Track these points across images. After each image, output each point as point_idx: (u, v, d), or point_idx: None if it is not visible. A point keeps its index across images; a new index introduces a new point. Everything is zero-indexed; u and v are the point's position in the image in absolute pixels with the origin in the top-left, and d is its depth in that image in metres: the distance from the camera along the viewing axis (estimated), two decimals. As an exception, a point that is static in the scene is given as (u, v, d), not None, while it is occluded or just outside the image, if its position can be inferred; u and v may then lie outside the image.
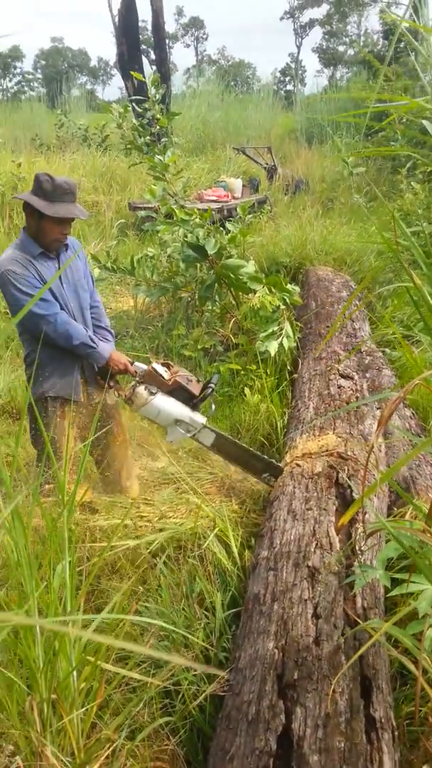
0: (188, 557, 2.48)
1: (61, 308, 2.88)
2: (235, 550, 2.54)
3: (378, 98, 1.91)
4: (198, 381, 3.03)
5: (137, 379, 2.93)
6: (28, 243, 2.82)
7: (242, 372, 4.35)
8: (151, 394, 2.87)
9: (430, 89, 1.69)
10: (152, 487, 3.20)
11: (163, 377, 2.92)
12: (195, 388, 2.96)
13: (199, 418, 2.95)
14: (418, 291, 1.66)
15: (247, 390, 4.09)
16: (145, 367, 2.96)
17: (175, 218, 4.84)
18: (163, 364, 2.99)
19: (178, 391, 2.93)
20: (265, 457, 3.07)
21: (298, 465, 2.91)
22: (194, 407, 2.96)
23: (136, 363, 2.99)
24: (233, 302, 4.95)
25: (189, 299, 5.24)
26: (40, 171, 2.80)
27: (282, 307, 4.33)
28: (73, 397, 2.94)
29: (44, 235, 2.79)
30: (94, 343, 2.90)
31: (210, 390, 2.96)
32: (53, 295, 2.86)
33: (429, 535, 1.61)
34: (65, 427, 2.88)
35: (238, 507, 2.92)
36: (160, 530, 2.66)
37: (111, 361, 2.94)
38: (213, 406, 3.11)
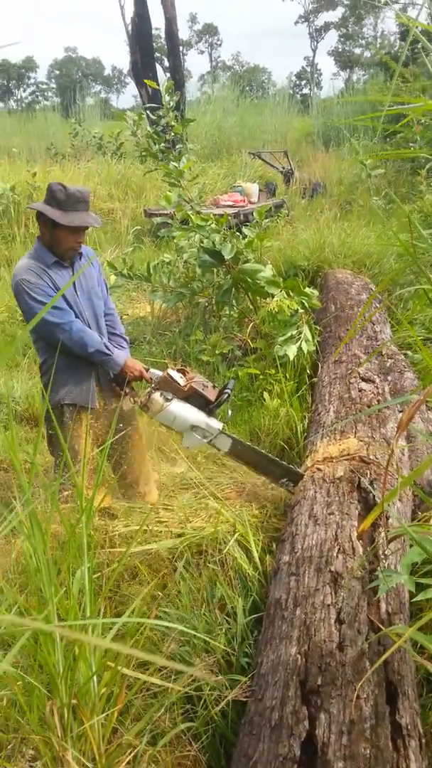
0: (208, 562, 2.48)
1: (76, 316, 2.92)
2: (256, 555, 2.54)
3: (395, 100, 1.91)
4: (214, 386, 3.04)
5: (153, 385, 2.95)
6: (42, 252, 2.87)
7: (261, 376, 4.35)
8: (167, 400, 2.88)
9: None
10: (172, 492, 3.21)
11: (178, 383, 2.93)
12: (211, 394, 2.97)
13: (216, 424, 2.96)
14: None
15: (266, 394, 4.09)
16: (160, 373, 2.97)
17: (191, 224, 4.87)
18: (178, 371, 3.01)
19: (194, 397, 2.94)
20: (284, 462, 3.06)
21: (319, 469, 2.90)
22: (210, 413, 2.97)
23: (152, 369, 3.01)
24: (251, 307, 4.97)
25: (206, 304, 5.26)
26: (54, 181, 2.85)
27: (300, 310, 4.33)
28: (89, 404, 2.97)
29: (58, 244, 2.84)
30: (109, 350, 2.93)
31: (226, 396, 2.97)
32: (67, 303, 2.90)
33: None
34: (81, 433, 2.90)
35: (258, 512, 2.91)
36: (180, 535, 2.67)
37: (126, 368, 2.97)
38: (230, 412, 3.12)
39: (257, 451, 3.05)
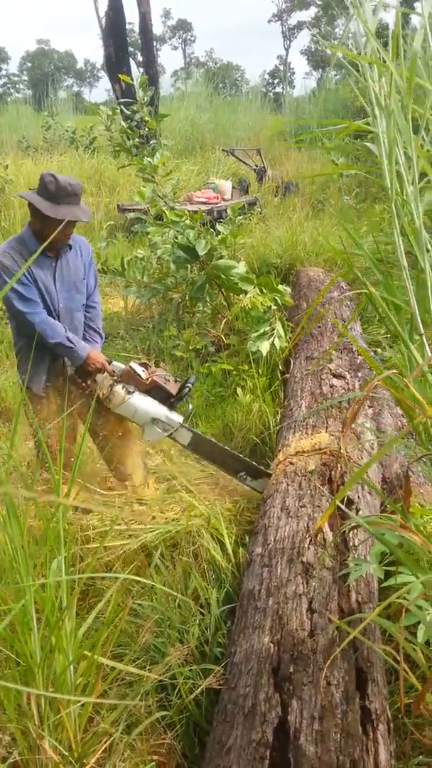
0: (182, 555, 2.51)
1: (49, 307, 2.95)
2: (229, 547, 2.57)
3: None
4: (176, 381, 3.09)
5: (115, 378, 2.98)
6: (28, 238, 2.88)
7: (234, 372, 4.38)
8: (129, 393, 2.94)
9: (370, 110, 1.72)
10: (146, 485, 3.23)
11: (140, 376, 2.99)
12: (172, 388, 3.02)
13: (176, 417, 3.01)
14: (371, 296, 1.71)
15: (239, 390, 4.12)
16: (123, 366, 3.02)
17: (165, 220, 4.87)
18: (141, 365, 3.06)
19: (155, 391, 2.99)
20: (243, 456, 3.13)
21: (291, 463, 2.94)
22: (171, 406, 3.02)
23: (114, 362, 3.05)
24: (224, 303, 4.99)
25: (180, 300, 5.27)
26: (47, 171, 2.83)
27: (273, 307, 4.37)
28: (34, 387, 3.04)
29: (46, 234, 2.83)
30: (72, 342, 2.95)
31: (187, 389, 3.02)
32: (41, 292, 2.91)
33: (407, 530, 1.63)
34: (41, 418, 2.98)
35: (231, 505, 2.94)
36: (154, 529, 2.68)
37: (88, 360, 2.99)
38: (190, 406, 3.19)
39: (216, 444, 3.11)
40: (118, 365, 3.03)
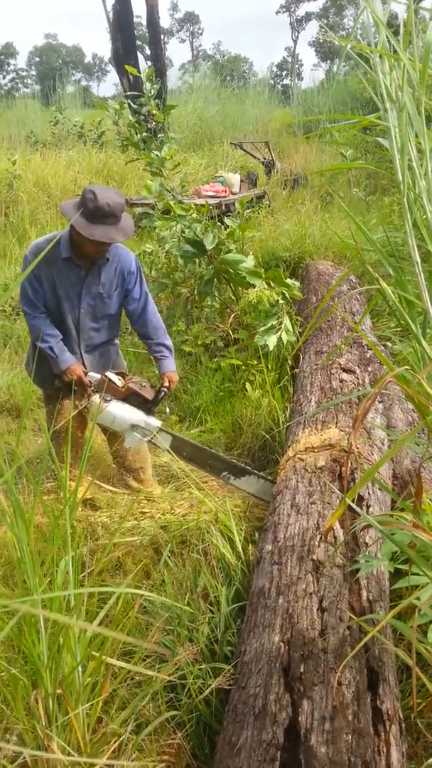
0: (192, 552, 2.49)
1: (59, 312, 2.98)
2: (239, 544, 2.55)
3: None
4: (152, 387, 3.14)
5: (92, 388, 3.04)
6: (63, 242, 2.89)
7: (243, 367, 4.35)
8: (106, 401, 2.98)
9: (381, 104, 1.67)
10: (155, 483, 3.22)
11: (116, 385, 3.04)
12: (148, 393, 3.08)
13: (154, 422, 3.06)
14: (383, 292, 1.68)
15: (248, 385, 4.09)
16: (98, 376, 3.06)
17: (172, 214, 4.84)
18: (117, 374, 3.12)
19: (132, 397, 3.05)
20: (224, 456, 3.18)
21: (300, 459, 2.91)
22: (149, 411, 3.07)
23: (90, 373, 3.09)
24: (233, 297, 4.96)
25: (188, 295, 5.24)
26: (91, 186, 2.79)
27: (281, 301, 4.33)
28: (45, 388, 3.14)
29: (80, 247, 2.84)
30: (54, 353, 2.97)
31: (162, 394, 3.08)
32: (58, 298, 2.94)
33: (419, 529, 1.60)
34: (54, 413, 3.06)
35: (241, 501, 2.93)
36: (163, 526, 2.67)
37: (66, 371, 3.01)
38: (168, 409, 3.28)
39: (197, 446, 3.15)
40: (94, 375, 3.08)
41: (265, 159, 11.82)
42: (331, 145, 13.34)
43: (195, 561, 2.45)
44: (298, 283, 4.70)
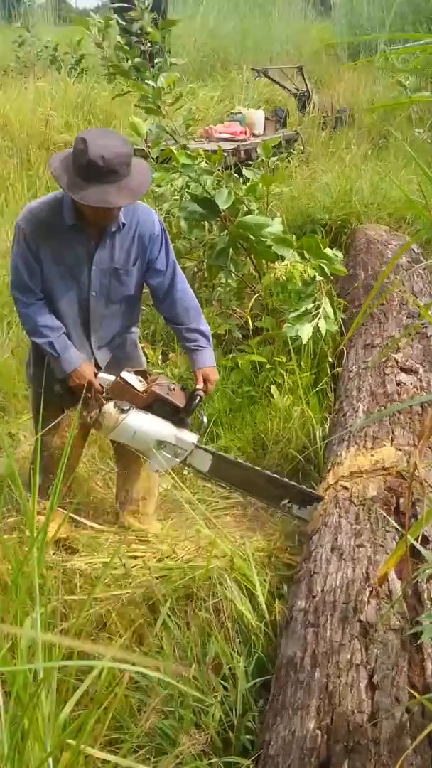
0: (199, 609, 2.50)
1: (63, 297, 2.97)
2: (261, 599, 2.55)
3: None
4: (183, 389, 3.10)
5: (104, 395, 2.99)
6: (67, 206, 2.85)
7: (268, 365, 4.36)
8: (123, 411, 2.92)
9: None
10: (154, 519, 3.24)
11: (135, 389, 2.99)
12: (178, 399, 3.02)
13: (189, 437, 3.02)
14: None
15: (274, 389, 4.10)
16: (112, 378, 3.01)
17: (173, 163, 4.85)
18: (136, 373, 3.07)
19: (157, 405, 2.99)
20: (284, 479, 3.13)
21: (344, 487, 2.92)
22: (181, 423, 3.03)
23: (102, 375, 3.02)
24: (254, 273, 4.97)
25: (195, 270, 5.26)
26: (84, 131, 2.77)
27: (319, 278, 4.34)
28: (45, 394, 3.01)
29: (81, 211, 2.83)
30: (56, 350, 2.95)
31: (198, 399, 3.04)
32: (60, 276, 2.94)
33: None
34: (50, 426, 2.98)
35: (265, 543, 2.93)
36: (162, 576, 2.68)
37: (72, 375, 2.97)
38: (204, 418, 3.17)
39: (247, 467, 3.11)
40: (106, 377, 3.02)
41: (297, 90, 11.83)
42: (386, 72, 13.33)
43: (203, 621, 2.46)
44: (341, 255, 4.70)
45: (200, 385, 3.09)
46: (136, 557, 2.84)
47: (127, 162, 2.72)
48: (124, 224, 2.93)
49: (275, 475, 3.13)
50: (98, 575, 2.62)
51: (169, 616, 2.48)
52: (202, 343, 3.17)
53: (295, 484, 3.11)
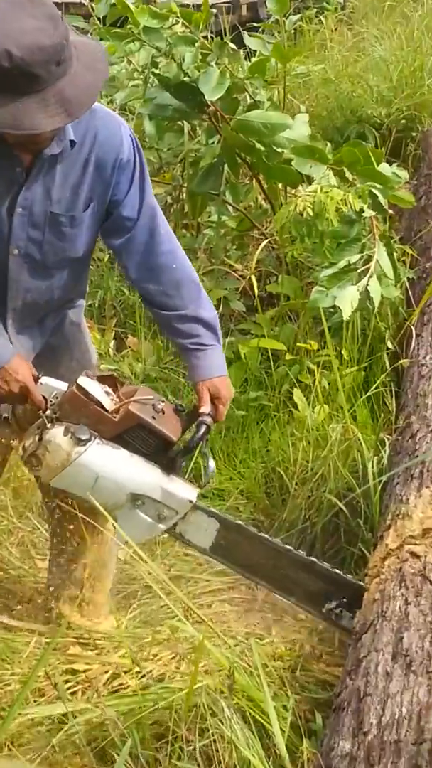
0: (178, 758, 2.50)
1: None
2: (280, 739, 2.55)
3: None
4: (179, 410, 3.02)
5: (48, 412, 2.90)
6: None
7: (288, 356, 4.36)
8: (79, 442, 2.84)
9: None
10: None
11: (101, 405, 2.89)
12: (170, 426, 2.95)
13: (183, 491, 2.99)
14: None
15: (298, 395, 4.10)
16: (63, 387, 2.94)
17: (130, 26, 4.85)
18: (100, 380, 2.98)
19: (135, 435, 2.92)
20: (325, 565, 3.11)
21: (414, 554, 2.93)
22: (172, 467, 2.98)
23: (46, 380, 2.92)
24: (263, 205, 4.99)
25: (168, 201, 5.28)
26: None
27: (370, 213, 4.34)
28: None
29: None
30: None
31: (205, 428, 2.98)
32: None
33: None
34: None
35: (284, 647, 2.94)
36: (117, 702, 2.69)
37: (2, 374, 2.91)
38: (212, 463, 3.17)
39: (278, 547, 3.10)
40: (55, 385, 2.95)
41: None
42: None
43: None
44: (405, 174, 4.70)
45: (205, 407, 3.03)
46: (75, 672, 2.85)
47: (57, 58, 2.60)
48: (73, 143, 2.85)
49: (313, 558, 3.11)
50: (10, 702, 2.63)
51: (128, 764, 2.48)
52: (205, 339, 3.12)
53: (346, 576, 3.10)
